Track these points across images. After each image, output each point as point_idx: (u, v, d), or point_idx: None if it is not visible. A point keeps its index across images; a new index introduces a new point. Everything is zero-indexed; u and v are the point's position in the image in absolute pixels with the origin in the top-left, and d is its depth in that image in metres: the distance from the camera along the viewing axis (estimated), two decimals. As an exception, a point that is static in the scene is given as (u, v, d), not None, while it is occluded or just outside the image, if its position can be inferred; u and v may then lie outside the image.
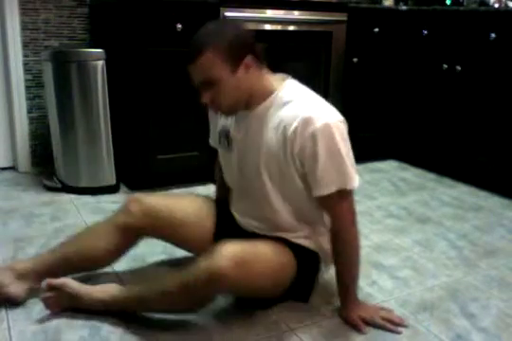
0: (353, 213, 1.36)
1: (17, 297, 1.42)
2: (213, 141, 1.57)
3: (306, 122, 1.24)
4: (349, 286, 1.41)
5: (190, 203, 1.59)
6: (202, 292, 1.26)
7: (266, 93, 1.33)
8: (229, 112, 1.36)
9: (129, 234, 1.50)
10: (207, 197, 1.66)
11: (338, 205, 1.33)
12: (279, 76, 1.38)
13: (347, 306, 1.42)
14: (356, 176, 1.32)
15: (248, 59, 1.26)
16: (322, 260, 1.48)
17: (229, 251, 1.24)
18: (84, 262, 1.49)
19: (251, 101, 1.33)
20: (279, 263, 1.35)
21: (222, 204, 1.60)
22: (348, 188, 1.30)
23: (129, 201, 1.53)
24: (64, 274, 1.46)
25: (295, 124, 1.26)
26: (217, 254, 1.23)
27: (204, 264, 1.24)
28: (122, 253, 1.55)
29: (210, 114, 1.54)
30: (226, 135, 1.44)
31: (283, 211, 1.40)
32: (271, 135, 1.32)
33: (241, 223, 1.52)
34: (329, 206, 1.35)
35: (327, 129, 1.24)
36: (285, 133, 1.28)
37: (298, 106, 1.29)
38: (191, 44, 1.25)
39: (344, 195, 1.32)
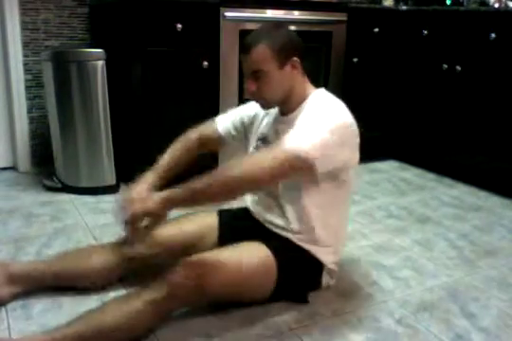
0: (269, 170, 1.25)
1: (1, 301, 1.41)
2: (222, 128, 1.66)
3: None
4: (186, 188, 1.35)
5: (191, 226, 1.59)
6: (170, 306, 1.29)
7: (301, 98, 1.43)
8: (269, 104, 1.46)
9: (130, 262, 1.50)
10: (207, 213, 1.65)
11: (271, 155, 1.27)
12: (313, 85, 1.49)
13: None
14: (313, 152, 1.25)
15: (294, 60, 1.39)
16: (326, 268, 1.49)
17: (188, 263, 1.30)
18: (76, 276, 1.47)
19: (288, 105, 1.44)
20: (250, 266, 1.36)
21: (225, 212, 1.65)
22: (294, 152, 1.24)
23: None
24: (54, 283, 1.46)
25: None
26: (176, 268, 1.28)
27: (166, 278, 1.27)
28: (116, 277, 1.53)
29: (246, 111, 1.62)
30: (264, 140, 1.53)
31: (288, 213, 1.44)
32: None
33: (255, 216, 1.57)
34: None
35: (330, 115, 1.34)
36: None
37: (315, 107, 1.39)
38: (248, 36, 1.40)
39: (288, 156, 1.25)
